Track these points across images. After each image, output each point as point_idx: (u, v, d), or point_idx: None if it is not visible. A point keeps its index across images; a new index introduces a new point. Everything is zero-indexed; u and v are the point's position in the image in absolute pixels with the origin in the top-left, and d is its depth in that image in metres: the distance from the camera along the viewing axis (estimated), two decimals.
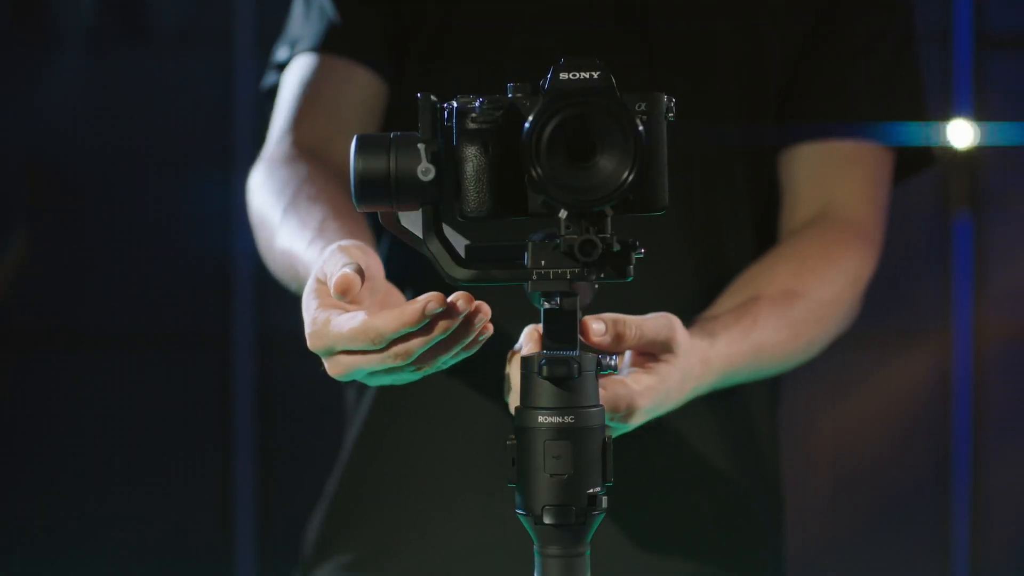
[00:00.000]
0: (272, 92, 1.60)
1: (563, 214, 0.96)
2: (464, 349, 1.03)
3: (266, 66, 1.63)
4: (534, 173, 0.94)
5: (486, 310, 1.01)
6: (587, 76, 0.95)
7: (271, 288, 2.48)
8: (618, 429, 1.14)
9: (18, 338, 2.65)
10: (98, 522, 2.63)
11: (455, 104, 0.97)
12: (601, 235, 0.95)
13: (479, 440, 1.49)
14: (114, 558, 2.63)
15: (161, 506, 2.64)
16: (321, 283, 1.08)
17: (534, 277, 0.98)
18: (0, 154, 2.62)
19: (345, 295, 1.02)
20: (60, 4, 2.60)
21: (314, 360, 1.07)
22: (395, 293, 1.13)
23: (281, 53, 1.58)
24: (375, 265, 1.10)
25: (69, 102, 2.60)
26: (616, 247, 0.96)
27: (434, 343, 1.01)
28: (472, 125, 0.97)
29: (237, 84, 2.62)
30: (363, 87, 1.53)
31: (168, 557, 2.64)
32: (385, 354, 1.02)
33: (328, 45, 1.53)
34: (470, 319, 1.00)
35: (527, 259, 0.98)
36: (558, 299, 0.99)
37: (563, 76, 0.95)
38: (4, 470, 2.64)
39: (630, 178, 0.94)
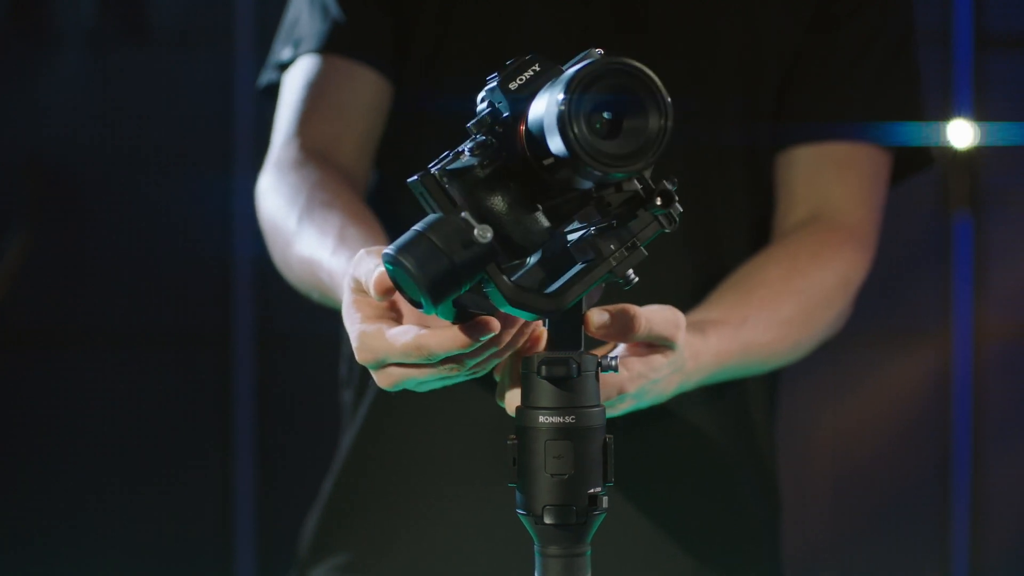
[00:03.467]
0: (270, 90, 1.59)
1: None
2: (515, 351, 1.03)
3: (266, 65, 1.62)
4: (577, 149, 0.89)
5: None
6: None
7: (271, 288, 2.49)
8: None
9: (18, 338, 2.65)
10: (98, 522, 2.63)
11: (448, 167, 0.94)
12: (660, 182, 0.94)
13: (475, 441, 1.49)
14: (114, 558, 2.63)
15: (161, 506, 2.64)
16: (359, 294, 1.05)
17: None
18: (0, 154, 2.62)
19: (387, 294, 1.00)
20: (60, 4, 2.60)
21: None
22: None
23: (284, 53, 1.57)
24: None
25: (69, 102, 2.60)
26: (673, 186, 0.95)
27: (487, 355, 1.01)
28: (481, 173, 0.95)
29: (237, 84, 2.62)
30: (368, 87, 1.53)
31: (168, 557, 2.64)
32: (439, 368, 1.01)
33: (333, 46, 1.53)
34: (522, 331, 1.00)
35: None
36: None
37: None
38: (4, 470, 2.64)
39: (668, 125, 0.91)
